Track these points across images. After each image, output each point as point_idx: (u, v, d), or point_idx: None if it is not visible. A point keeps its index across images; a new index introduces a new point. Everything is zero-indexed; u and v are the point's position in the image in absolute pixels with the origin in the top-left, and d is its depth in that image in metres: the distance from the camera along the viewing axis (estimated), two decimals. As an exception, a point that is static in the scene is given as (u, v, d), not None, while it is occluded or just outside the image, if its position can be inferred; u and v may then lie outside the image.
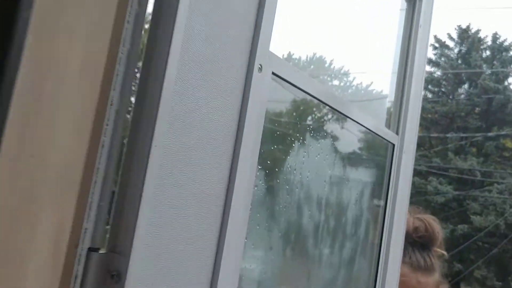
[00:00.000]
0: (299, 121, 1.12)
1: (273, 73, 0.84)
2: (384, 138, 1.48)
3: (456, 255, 14.16)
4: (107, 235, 0.53)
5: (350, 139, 1.42)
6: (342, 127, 1.29)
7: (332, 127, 1.26)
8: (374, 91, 1.83)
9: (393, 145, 1.51)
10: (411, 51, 1.64)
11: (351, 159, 1.47)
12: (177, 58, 0.55)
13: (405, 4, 1.71)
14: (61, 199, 0.45)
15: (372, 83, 1.78)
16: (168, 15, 0.55)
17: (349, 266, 1.49)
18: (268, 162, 0.92)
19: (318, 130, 1.18)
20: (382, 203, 1.54)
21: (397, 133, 1.54)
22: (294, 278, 1.16)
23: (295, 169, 1.05)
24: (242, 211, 0.74)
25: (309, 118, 1.17)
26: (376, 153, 1.56)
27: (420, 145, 18.40)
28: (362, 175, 1.63)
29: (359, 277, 1.52)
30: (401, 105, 1.57)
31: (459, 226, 14.94)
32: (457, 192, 15.34)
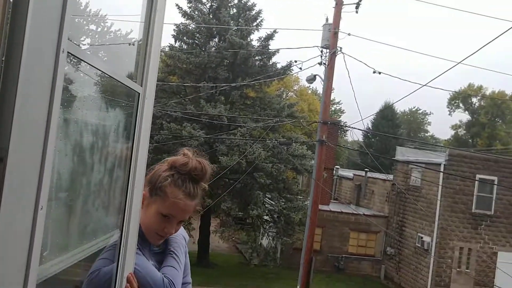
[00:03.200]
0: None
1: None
2: (131, 88, 1.88)
3: (207, 191, 15.86)
4: None
5: (99, 89, 1.76)
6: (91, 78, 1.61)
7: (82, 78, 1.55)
8: (133, 39, 2.12)
9: (138, 93, 1.92)
10: (151, 18, 1.99)
11: (104, 107, 1.86)
12: None
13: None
14: None
15: (132, 31, 2.05)
16: None
17: (106, 189, 1.90)
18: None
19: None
20: (131, 138, 1.95)
21: (141, 85, 1.95)
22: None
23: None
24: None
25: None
26: (127, 101, 1.95)
27: (176, 93, 19.48)
28: (113, 119, 2.01)
29: (114, 197, 1.93)
30: (144, 62, 1.96)
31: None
32: (208, 136, 17.00)
